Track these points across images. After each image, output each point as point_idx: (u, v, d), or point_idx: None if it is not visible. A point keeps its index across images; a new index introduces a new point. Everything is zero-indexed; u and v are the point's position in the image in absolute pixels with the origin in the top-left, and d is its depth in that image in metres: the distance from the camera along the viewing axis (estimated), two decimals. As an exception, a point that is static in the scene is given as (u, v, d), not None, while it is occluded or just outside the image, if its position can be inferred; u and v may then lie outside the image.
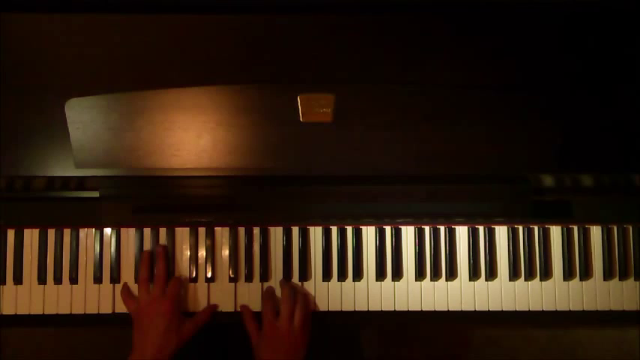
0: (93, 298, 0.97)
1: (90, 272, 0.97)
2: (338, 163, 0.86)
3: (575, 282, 0.98)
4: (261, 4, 0.88)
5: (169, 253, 0.97)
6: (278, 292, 0.96)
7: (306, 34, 0.87)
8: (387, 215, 0.95)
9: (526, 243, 0.99)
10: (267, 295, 0.95)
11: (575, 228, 0.99)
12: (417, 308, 0.97)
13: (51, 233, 0.97)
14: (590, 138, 0.88)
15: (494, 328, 1.20)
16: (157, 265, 0.94)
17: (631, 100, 0.88)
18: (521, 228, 0.99)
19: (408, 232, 0.99)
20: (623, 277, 0.99)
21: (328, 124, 0.85)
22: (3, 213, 0.96)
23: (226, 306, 0.97)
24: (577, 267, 0.99)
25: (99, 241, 0.97)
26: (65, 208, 0.96)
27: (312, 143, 0.85)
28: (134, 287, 0.95)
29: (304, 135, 0.85)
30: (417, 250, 0.98)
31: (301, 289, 0.97)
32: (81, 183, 0.93)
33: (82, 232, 0.98)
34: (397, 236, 0.99)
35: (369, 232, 0.99)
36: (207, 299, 0.97)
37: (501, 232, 0.99)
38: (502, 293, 0.98)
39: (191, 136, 0.85)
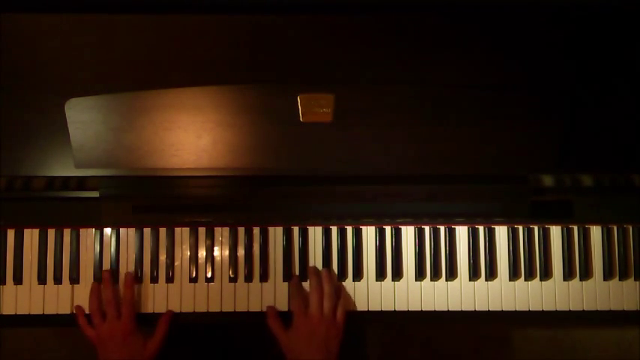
0: (93, 298, 0.96)
1: (90, 272, 0.97)
2: (338, 163, 0.86)
3: (575, 282, 0.98)
4: (262, 4, 0.88)
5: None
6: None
7: (306, 34, 0.87)
8: (387, 215, 0.95)
9: (526, 243, 0.99)
10: (295, 288, 0.94)
11: (575, 228, 0.99)
12: (417, 308, 0.97)
13: (51, 233, 0.97)
14: (590, 138, 0.88)
15: (495, 328, 1.20)
16: (105, 291, 0.93)
17: (631, 100, 0.88)
18: (521, 228, 0.99)
19: (408, 232, 0.99)
20: (623, 277, 0.99)
21: (328, 124, 0.85)
22: (3, 213, 0.96)
23: (227, 306, 0.97)
24: (577, 267, 0.99)
25: (99, 241, 0.97)
26: (65, 208, 0.96)
27: (312, 143, 0.85)
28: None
29: (304, 135, 0.85)
30: (417, 250, 0.98)
31: (329, 277, 0.94)
32: (81, 183, 0.93)
33: (82, 232, 0.98)
34: (397, 236, 0.99)
35: (369, 232, 0.99)
36: (207, 299, 0.97)
37: (501, 232, 0.99)
38: (502, 293, 0.98)
39: (191, 136, 0.85)
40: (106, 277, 0.94)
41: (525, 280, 0.98)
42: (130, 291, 0.94)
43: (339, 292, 0.95)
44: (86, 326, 0.93)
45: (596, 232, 1.00)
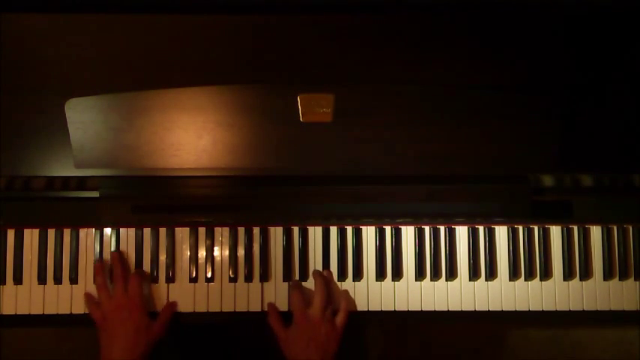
0: (93, 298, 0.96)
1: (90, 272, 0.97)
2: (338, 163, 0.86)
3: (575, 282, 0.98)
4: (262, 4, 0.88)
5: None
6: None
7: (306, 34, 0.87)
8: (387, 215, 0.95)
9: (526, 243, 0.99)
10: (295, 286, 0.94)
11: (575, 228, 0.99)
12: (417, 308, 0.97)
13: (51, 233, 0.97)
14: (589, 138, 0.88)
15: (494, 328, 1.20)
16: (115, 268, 0.94)
17: (631, 101, 0.88)
18: (521, 228, 0.99)
19: (408, 232, 0.99)
20: (623, 277, 0.99)
21: (328, 124, 0.85)
22: (3, 213, 0.96)
23: (227, 306, 0.97)
24: (577, 267, 0.99)
25: (99, 241, 0.97)
26: (65, 208, 0.96)
27: (312, 143, 0.85)
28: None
29: (304, 135, 0.85)
30: (417, 250, 0.98)
31: (330, 280, 0.95)
32: (81, 183, 0.93)
33: (82, 232, 0.98)
34: (397, 236, 0.99)
35: (369, 232, 0.99)
36: (207, 299, 0.97)
37: (501, 232, 0.99)
38: (502, 293, 0.98)
39: (191, 136, 0.85)
40: (115, 256, 0.95)
41: (525, 280, 0.98)
42: (138, 271, 0.95)
43: (342, 296, 0.95)
44: (94, 308, 0.93)
45: (596, 232, 1.00)
